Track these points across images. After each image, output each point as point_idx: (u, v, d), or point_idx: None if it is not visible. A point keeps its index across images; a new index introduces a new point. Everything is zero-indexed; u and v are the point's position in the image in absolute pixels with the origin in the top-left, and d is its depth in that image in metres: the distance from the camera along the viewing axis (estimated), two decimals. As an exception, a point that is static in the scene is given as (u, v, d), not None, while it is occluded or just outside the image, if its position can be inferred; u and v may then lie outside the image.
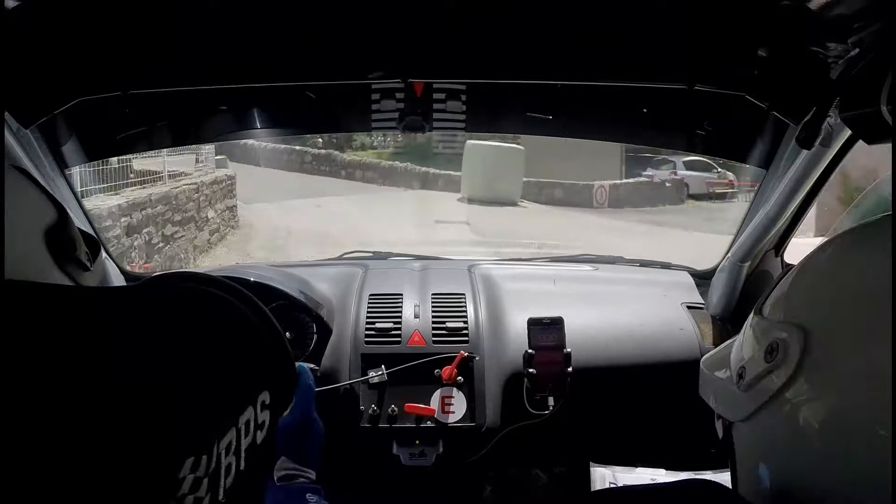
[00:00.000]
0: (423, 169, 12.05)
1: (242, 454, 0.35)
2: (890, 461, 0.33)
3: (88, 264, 0.55)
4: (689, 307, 1.37)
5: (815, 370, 0.38)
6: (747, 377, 0.43)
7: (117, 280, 1.32)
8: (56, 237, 0.50)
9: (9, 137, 0.96)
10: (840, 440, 0.36)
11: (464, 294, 1.34)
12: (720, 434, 0.53)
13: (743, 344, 0.47)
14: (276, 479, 0.76)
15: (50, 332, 0.31)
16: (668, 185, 11.97)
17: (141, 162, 6.47)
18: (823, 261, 0.44)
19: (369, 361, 1.23)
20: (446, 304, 1.31)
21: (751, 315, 0.48)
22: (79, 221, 1.10)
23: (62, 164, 1.15)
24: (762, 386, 0.41)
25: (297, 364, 0.81)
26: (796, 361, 0.39)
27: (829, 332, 0.39)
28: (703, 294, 1.40)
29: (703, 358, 0.58)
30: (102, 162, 4.98)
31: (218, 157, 8.15)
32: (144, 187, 6.10)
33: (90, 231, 1.18)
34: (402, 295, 1.33)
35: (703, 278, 1.45)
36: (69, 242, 0.53)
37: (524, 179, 10.58)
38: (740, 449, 0.47)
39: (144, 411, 0.31)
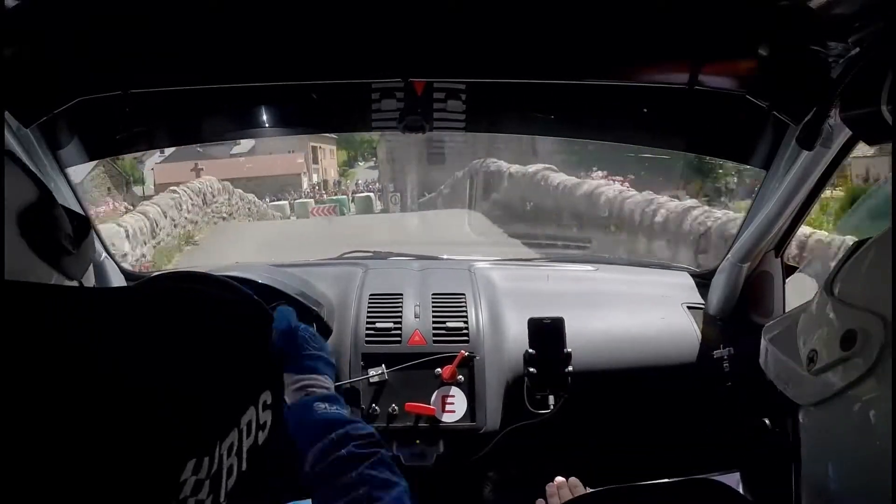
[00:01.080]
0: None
1: (244, 455, 0.35)
2: None
3: (71, 248, 0.52)
4: (689, 307, 1.37)
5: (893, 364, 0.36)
6: (819, 362, 0.41)
7: (117, 280, 1.32)
8: (32, 219, 0.47)
9: (9, 136, 0.96)
10: None
11: (464, 294, 1.33)
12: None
13: (813, 324, 0.45)
14: (288, 396, 0.71)
15: (51, 335, 0.31)
16: None
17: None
18: None
19: (369, 361, 1.22)
20: (447, 304, 1.31)
21: (819, 291, 0.45)
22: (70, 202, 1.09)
23: (62, 164, 1.15)
24: (836, 374, 0.40)
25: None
26: (877, 354, 0.37)
27: None
28: (704, 295, 1.40)
29: (765, 328, 0.55)
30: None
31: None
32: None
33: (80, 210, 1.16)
34: (402, 295, 1.33)
35: (703, 279, 1.45)
36: (48, 225, 0.50)
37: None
38: (807, 434, 0.46)
39: (145, 414, 0.31)
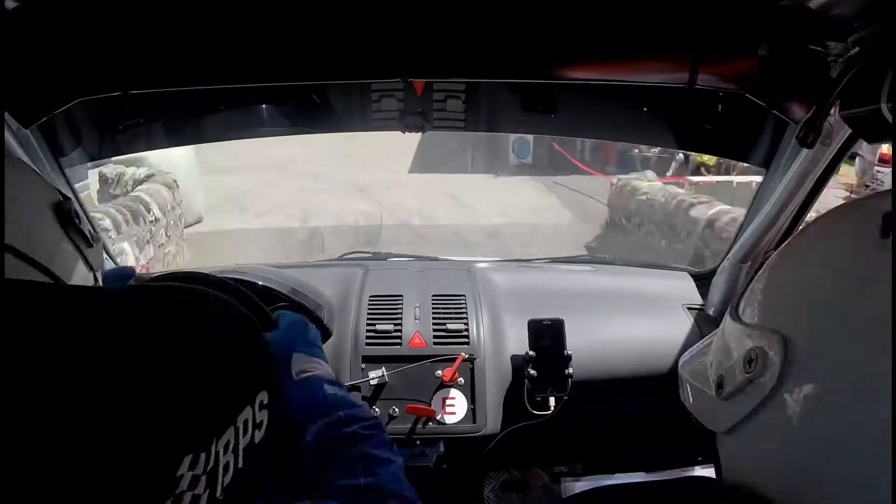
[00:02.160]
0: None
1: (241, 453, 0.35)
2: (877, 468, 0.30)
3: (91, 241, 0.60)
4: (689, 308, 1.37)
5: (799, 380, 0.35)
6: (727, 387, 0.40)
7: (117, 281, 1.32)
8: (63, 210, 0.56)
9: (9, 137, 0.96)
10: (827, 453, 0.33)
11: (464, 295, 1.33)
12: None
13: (720, 349, 0.44)
14: (295, 375, 0.75)
15: (48, 332, 0.31)
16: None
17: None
18: (794, 256, 0.41)
19: (370, 362, 1.22)
20: (447, 306, 1.31)
21: (726, 317, 0.45)
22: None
23: (62, 164, 1.15)
24: (743, 397, 0.39)
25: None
26: (778, 372, 0.36)
27: (812, 337, 0.35)
28: (704, 295, 1.40)
29: (681, 360, 0.54)
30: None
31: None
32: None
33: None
34: (402, 296, 1.33)
35: (702, 279, 1.45)
36: (76, 215, 0.58)
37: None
38: (726, 461, 0.43)
39: (142, 410, 0.31)
